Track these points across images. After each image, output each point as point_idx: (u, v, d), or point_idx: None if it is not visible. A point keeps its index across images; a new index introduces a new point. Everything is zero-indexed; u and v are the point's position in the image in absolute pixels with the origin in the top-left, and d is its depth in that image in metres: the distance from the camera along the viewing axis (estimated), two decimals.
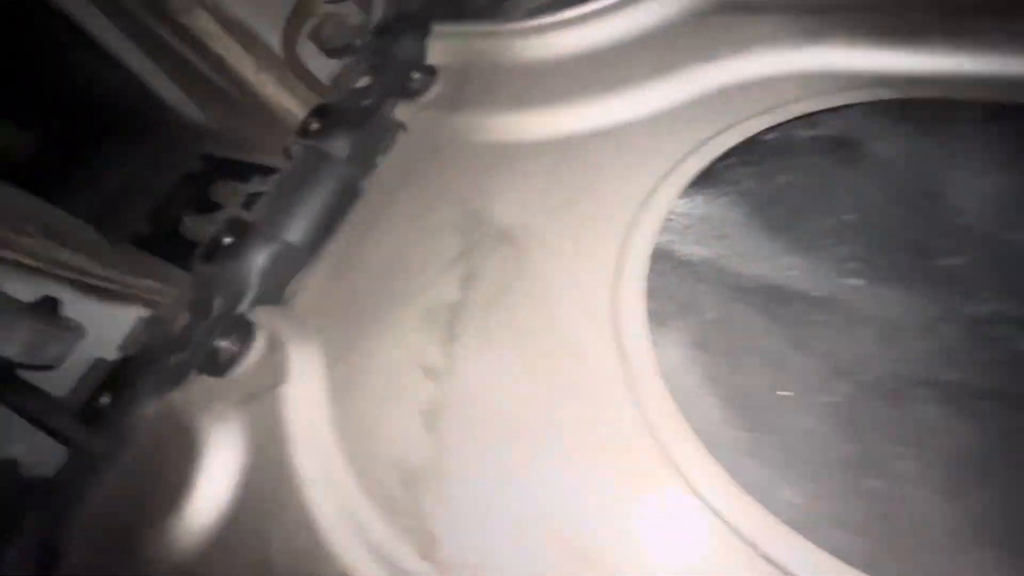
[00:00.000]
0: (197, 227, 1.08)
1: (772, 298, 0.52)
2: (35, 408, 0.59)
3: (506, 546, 0.42)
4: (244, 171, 1.12)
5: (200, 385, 0.57)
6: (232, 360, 0.57)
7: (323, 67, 0.93)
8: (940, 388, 0.43)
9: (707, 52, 0.59)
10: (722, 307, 0.52)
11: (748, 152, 0.54)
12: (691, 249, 0.53)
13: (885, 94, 0.55)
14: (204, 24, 0.87)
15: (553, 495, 0.44)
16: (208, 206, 1.10)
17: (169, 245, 1.15)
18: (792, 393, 0.45)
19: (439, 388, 0.50)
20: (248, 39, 0.91)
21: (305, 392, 0.53)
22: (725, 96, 0.57)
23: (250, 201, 1.07)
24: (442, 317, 0.54)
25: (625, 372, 0.46)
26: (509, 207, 0.60)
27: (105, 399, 0.58)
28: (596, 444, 0.45)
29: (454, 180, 0.65)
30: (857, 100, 0.55)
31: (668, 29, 0.63)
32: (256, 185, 1.03)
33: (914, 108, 0.55)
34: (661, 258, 0.52)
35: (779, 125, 0.54)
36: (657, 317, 0.50)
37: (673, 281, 0.52)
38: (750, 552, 0.38)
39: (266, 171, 1.07)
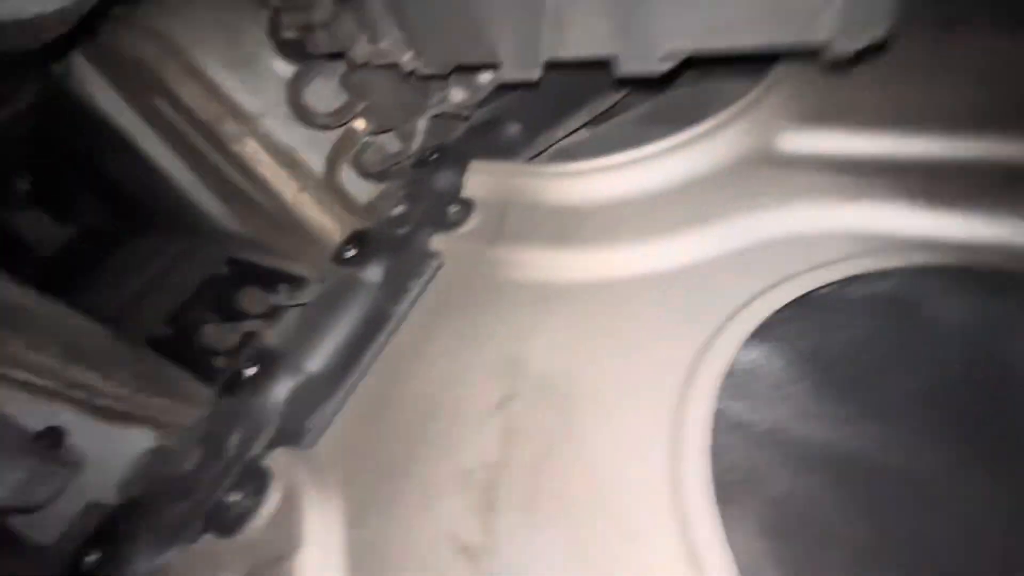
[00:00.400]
0: (216, 335, 1.06)
1: (846, 472, 0.47)
2: (13, 565, 0.52)
3: None
4: (271, 278, 1.12)
5: (204, 546, 0.50)
6: (242, 517, 0.51)
7: (362, 191, 0.97)
8: None
9: (751, 204, 0.59)
10: (792, 481, 0.47)
11: (803, 307, 0.52)
12: (751, 411, 0.49)
13: (936, 258, 0.54)
14: (252, 151, 0.92)
15: None
16: (231, 313, 1.09)
17: (186, 350, 1.12)
18: None
19: (477, 571, 0.43)
20: (292, 164, 0.96)
21: (320, 564, 0.47)
22: (772, 249, 0.56)
23: (274, 312, 1.07)
24: (480, 480, 0.49)
25: (696, 567, 0.40)
26: (550, 351, 0.57)
27: (93, 557, 0.52)
28: None
29: (490, 317, 0.63)
30: (909, 263, 0.54)
31: (710, 179, 0.64)
32: (283, 296, 1.03)
33: (970, 276, 0.53)
34: (719, 420, 0.48)
35: (833, 283, 0.53)
36: (722, 492, 0.44)
37: (735, 448, 0.48)
38: None
39: (293, 280, 1.08)
